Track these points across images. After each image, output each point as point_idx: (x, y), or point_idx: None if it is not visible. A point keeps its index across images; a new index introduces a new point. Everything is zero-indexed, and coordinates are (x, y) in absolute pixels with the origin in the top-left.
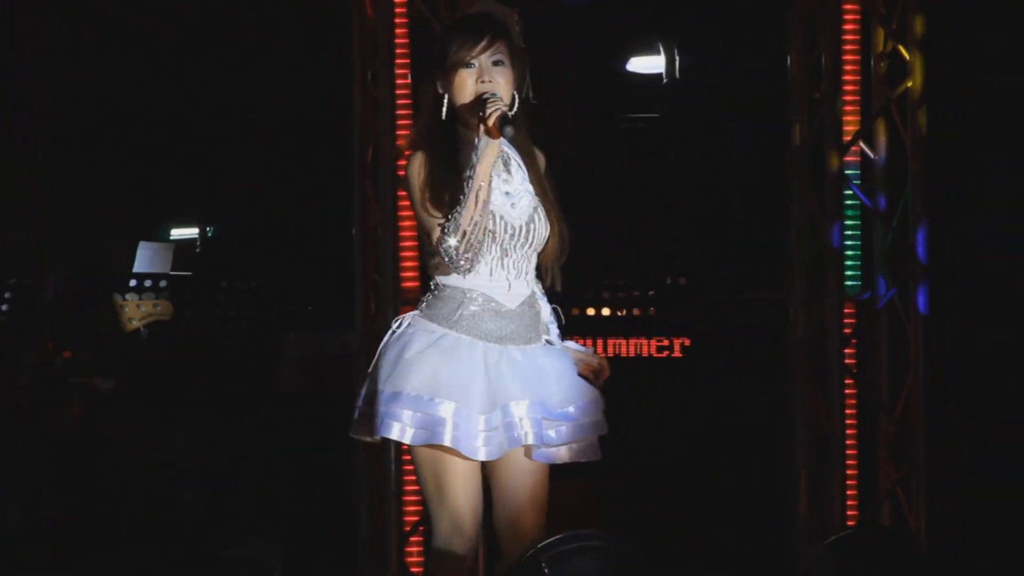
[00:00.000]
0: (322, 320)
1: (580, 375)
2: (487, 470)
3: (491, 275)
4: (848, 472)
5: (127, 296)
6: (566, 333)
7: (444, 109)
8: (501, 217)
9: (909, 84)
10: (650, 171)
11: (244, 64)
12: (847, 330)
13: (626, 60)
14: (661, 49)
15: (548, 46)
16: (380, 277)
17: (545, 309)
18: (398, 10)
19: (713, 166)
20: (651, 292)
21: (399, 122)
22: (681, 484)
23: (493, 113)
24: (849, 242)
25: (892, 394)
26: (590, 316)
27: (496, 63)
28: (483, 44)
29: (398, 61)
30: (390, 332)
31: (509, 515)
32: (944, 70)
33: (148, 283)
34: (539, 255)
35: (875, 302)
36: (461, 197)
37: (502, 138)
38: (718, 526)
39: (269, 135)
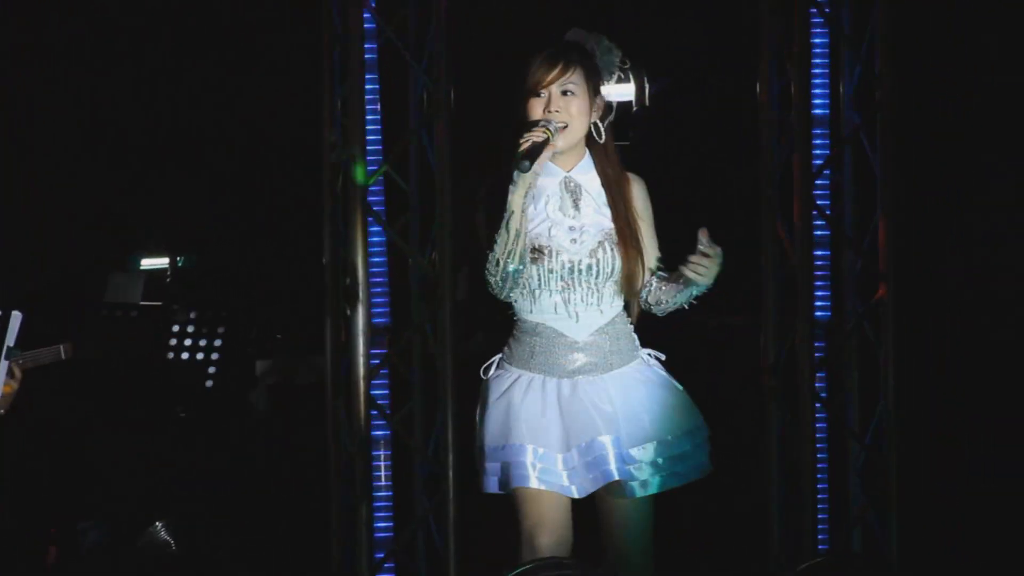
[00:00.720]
0: (293, 346)
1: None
2: (597, 514)
3: (556, 310)
4: (819, 498)
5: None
6: None
7: (514, 135)
8: (557, 253)
9: (878, 110)
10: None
11: (214, 93)
12: (817, 355)
13: None
14: (631, 76)
15: (517, 75)
16: (349, 306)
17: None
18: (368, 37)
19: (684, 192)
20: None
21: (369, 149)
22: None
23: (523, 143)
24: (818, 268)
25: (863, 420)
26: None
27: (565, 92)
28: (555, 74)
29: (368, 89)
30: (483, 381)
31: (616, 554)
32: (914, 95)
33: (119, 313)
34: (621, 284)
35: (845, 328)
36: (500, 227)
37: (525, 168)
38: (690, 553)
39: (240, 163)
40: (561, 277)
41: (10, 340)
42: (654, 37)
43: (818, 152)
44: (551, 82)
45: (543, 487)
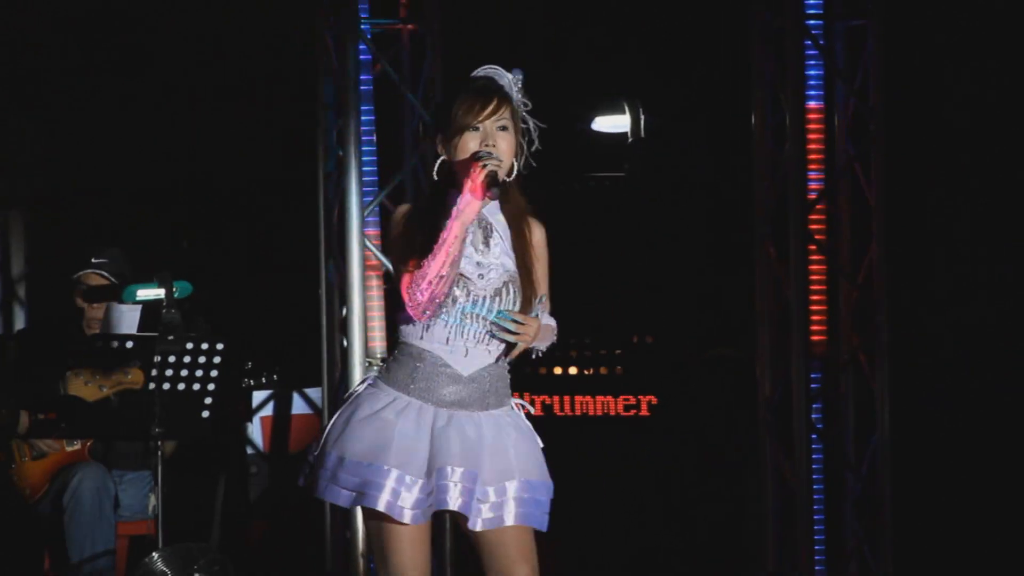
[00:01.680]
0: (288, 379)
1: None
2: (472, 534)
3: (447, 341)
4: (815, 530)
5: (98, 363)
6: (533, 393)
7: (435, 170)
8: (464, 285)
9: (872, 143)
10: (616, 230)
11: (211, 125)
12: (812, 389)
13: (591, 119)
14: (626, 108)
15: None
16: (346, 338)
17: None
18: (364, 70)
19: (679, 224)
20: (618, 351)
21: (365, 179)
22: (648, 542)
23: (482, 172)
24: (814, 300)
25: (858, 452)
26: (557, 375)
27: (501, 128)
28: (490, 109)
29: (363, 120)
30: (350, 392)
31: (500, 569)
32: (908, 127)
33: (115, 344)
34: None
35: (840, 359)
36: (434, 248)
37: (486, 200)
38: None
39: (236, 194)
40: (462, 310)
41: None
42: (649, 71)
43: (813, 184)
44: (487, 117)
45: (407, 517)
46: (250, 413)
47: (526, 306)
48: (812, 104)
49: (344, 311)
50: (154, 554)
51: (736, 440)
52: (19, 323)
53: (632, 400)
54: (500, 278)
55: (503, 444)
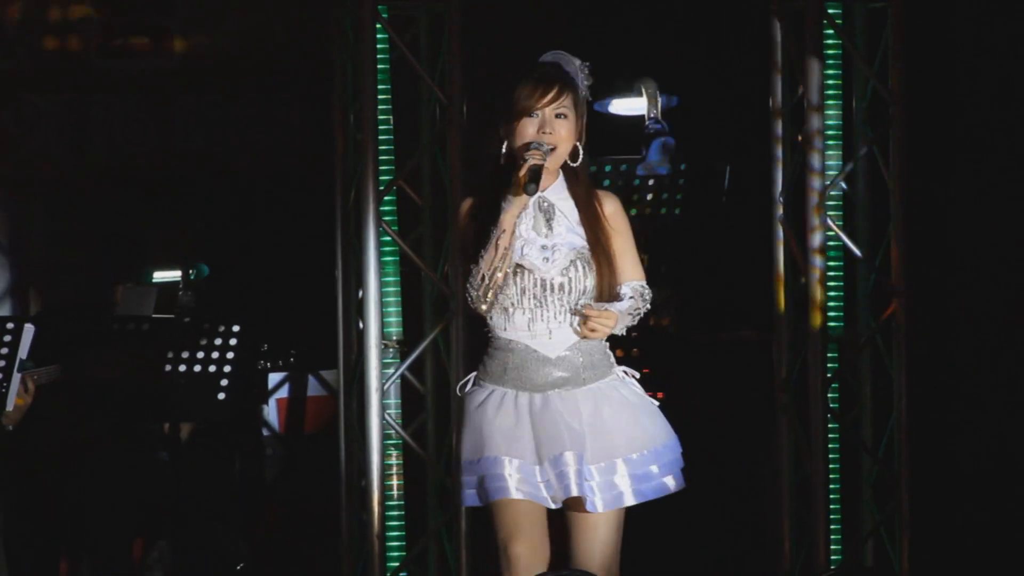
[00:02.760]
0: (304, 361)
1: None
2: (564, 524)
3: (529, 326)
4: (832, 512)
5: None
6: None
7: (503, 156)
8: (530, 272)
9: (891, 125)
10: (633, 212)
11: (227, 107)
12: (829, 371)
13: (608, 102)
14: (643, 91)
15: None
16: (362, 320)
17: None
18: (380, 53)
19: (696, 207)
20: (634, 334)
21: (381, 164)
22: (665, 524)
23: (524, 166)
24: (831, 282)
25: (875, 435)
26: None
27: (559, 115)
28: (550, 96)
29: (380, 103)
30: (457, 396)
31: (578, 566)
32: (927, 111)
33: (132, 325)
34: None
35: (857, 342)
36: (487, 244)
37: (527, 193)
38: (702, 566)
39: (253, 176)
40: (534, 296)
41: (22, 353)
42: (666, 51)
43: (831, 167)
44: (546, 104)
45: (520, 496)
46: (266, 395)
47: (601, 280)
48: (830, 86)
49: (360, 293)
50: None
51: (753, 423)
52: (36, 306)
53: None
54: (567, 256)
55: (601, 423)
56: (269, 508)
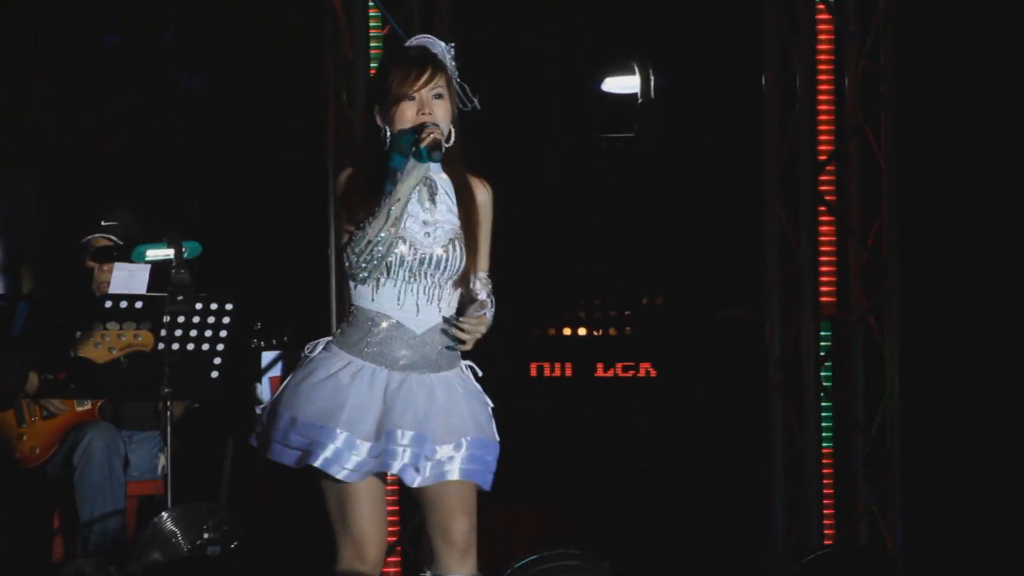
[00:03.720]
0: (297, 340)
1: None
2: (417, 493)
3: (398, 300)
4: (825, 491)
5: (108, 325)
6: (544, 354)
7: (387, 141)
8: (411, 244)
9: (883, 104)
10: (626, 191)
11: (220, 85)
12: (822, 349)
13: (601, 80)
14: (636, 69)
15: (523, 67)
16: None
17: (482, 294)
18: (372, 31)
19: (689, 185)
20: (627, 312)
21: None
22: (658, 504)
23: (427, 137)
24: (824, 261)
25: (868, 414)
26: (566, 336)
27: (436, 96)
28: (425, 78)
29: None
30: (302, 356)
31: (438, 522)
32: (919, 88)
33: (124, 304)
34: (456, 284)
35: (850, 321)
36: (377, 211)
37: (430, 164)
38: (696, 545)
39: (246, 154)
40: (410, 269)
41: (17, 328)
42: (659, 31)
43: (823, 146)
44: (422, 86)
45: (350, 476)
46: (259, 373)
47: (470, 263)
48: (823, 65)
49: None
50: (163, 514)
51: (746, 401)
52: (27, 286)
53: (632, 364)
54: (446, 235)
55: (456, 405)
56: (262, 487)
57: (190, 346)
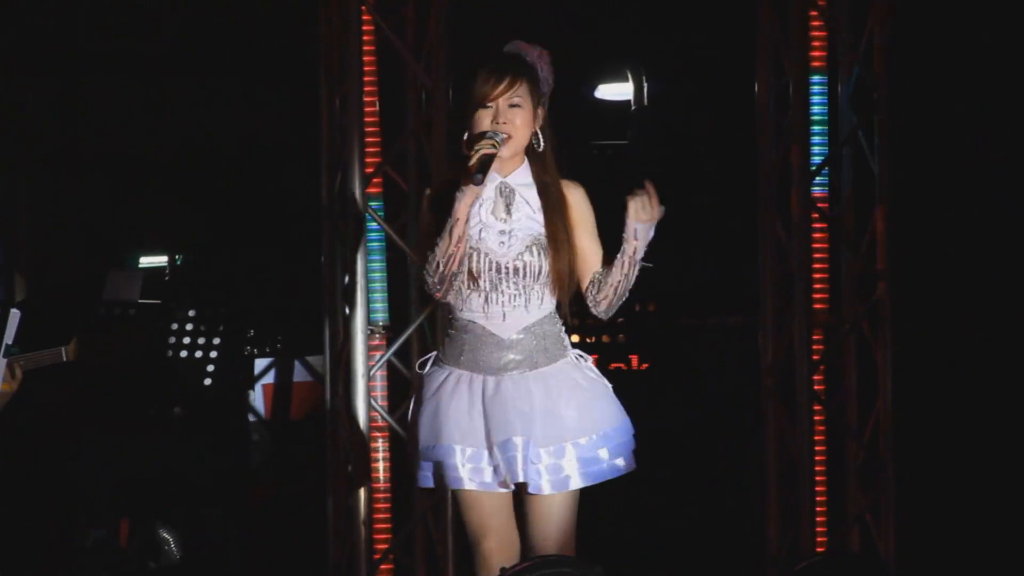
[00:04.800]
0: (290, 347)
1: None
2: (522, 502)
3: (484, 308)
4: (817, 497)
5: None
6: None
7: (464, 145)
8: (487, 255)
9: (876, 111)
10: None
11: (213, 93)
12: (815, 355)
13: (595, 87)
14: (629, 76)
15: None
16: (349, 305)
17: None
18: (366, 36)
19: (682, 192)
20: (620, 319)
21: (368, 149)
22: (650, 509)
23: (473, 155)
24: (817, 267)
25: (861, 419)
26: None
27: (513, 106)
28: (503, 87)
29: (367, 88)
30: (419, 373)
31: (532, 546)
32: (912, 96)
33: (117, 310)
34: (551, 286)
35: (843, 327)
36: (443, 231)
37: (477, 183)
38: (687, 551)
39: (238, 162)
40: (489, 279)
41: (8, 338)
42: (652, 38)
43: (816, 152)
44: (499, 95)
45: (474, 487)
46: (252, 381)
47: (557, 266)
48: (815, 72)
49: (346, 279)
50: (157, 520)
51: (738, 407)
52: (20, 292)
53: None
54: (523, 242)
55: (554, 406)
56: (255, 494)
57: (183, 353)
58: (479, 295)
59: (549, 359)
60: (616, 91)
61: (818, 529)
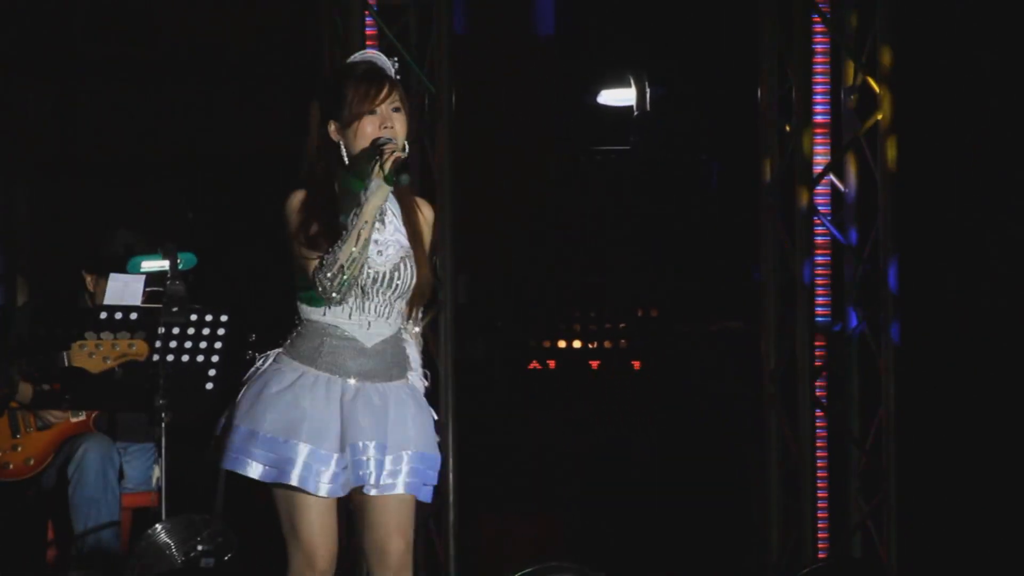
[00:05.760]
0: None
1: None
2: (354, 502)
3: (350, 316)
4: (819, 504)
5: (102, 335)
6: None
7: (345, 158)
8: (364, 263)
9: (879, 117)
10: (622, 203)
11: (216, 95)
12: (818, 362)
13: (597, 93)
14: (632, 82)
15: (519, 80)
16: None
17: (412, 351)
18: (369, 42)
19: (685, 198)
20: (622, 324)
21: None
22: (653, 515)
23: (389, 159)
24: (819, 272)
25: (863, 426)
26: (561, 348)
27: (395, 110)
28: (384, 92)
29: None
30: (254, 367)
31: (374, 541)
32: (915, 102)
33: (118, 315)
34: (411, 300)
35: (846, 334)
36: (344, 233)
37: (395, 184)
38: (690, 558)
39: (239, 166)
40: (363, 288)
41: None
42: (654, 43)
43: (819, 158)
44: (383, 100)
45: (320, 491)
46: None
47: (421, 280)
48: (819, 77)
49: None
50: (157, 525)
51: (740, 413)
52: (22, 296)
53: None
54: (397, 254)
55: (403, 415)
56: (257, 498)
57: (185, 358)
58: (347, 304)
59: (400, 373)
60: (618, 96)
61: (820, 535)
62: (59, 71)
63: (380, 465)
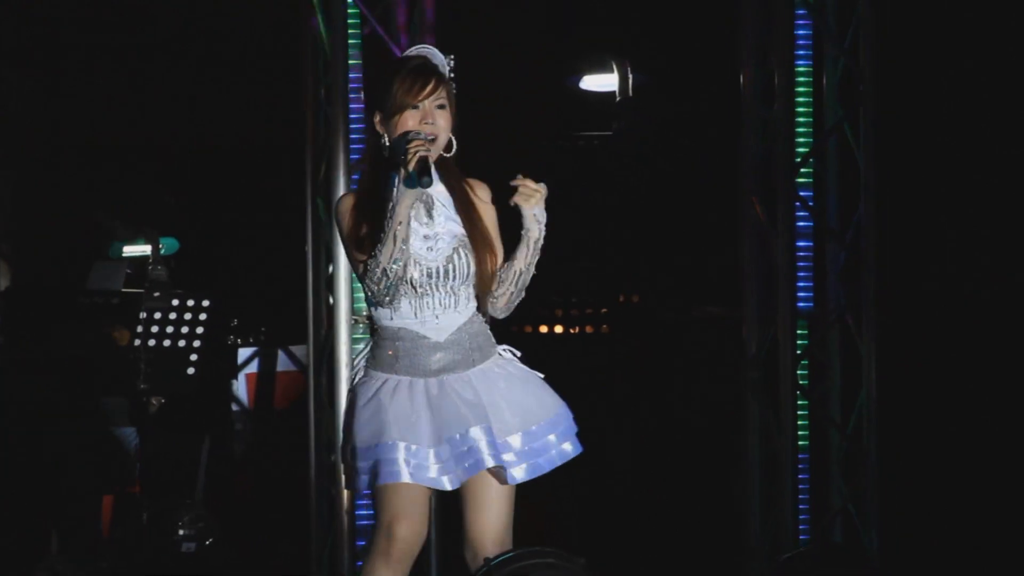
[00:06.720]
0: (274, 336)
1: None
2: (461, 499)
3: (415, 314)
4: (800, 489)
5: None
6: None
7: (386, 151)
8: (416, 261)
9: (861, 100)
10: (604, 188)
11: (199, 81)
12: (799, 347)
13: (579, 78)
14: (614, 67)
15: (502, 65)
16: (332, 295)
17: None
18: (352, 29)
19: (666, 183)
20: (604, 310)
21: (352, 137)
22: (633, 501)
23: (413, 159)
24: (801, 258)
25: (844, 411)
26: (543, 333)
27: (439, 106)
28: (429, 88)
29: (351, 76)
30: (349, 384)
31: (473, 538)
32: (897, 86)
33: (101, 300)
34: (476, 286)
35: (827, 319)
36: (382, 236)
37: (421, 186)
38: (670, 543)
39: (222, 152)
40: (420, 284)
41: None
42: (637, 29)
43: (801, 143)
44: (427, 96)
45: (412, 481)
46: (235, 370)
47: (481, 265)
48: (801, 64)
49: (330, 268)
50: (139, 511)
51: (720, 398)
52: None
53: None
54: (449, 245)
55: (494, 400)
56: (238, 483)
57: (167, 342)
58: (409, 302)
59: (483, 356)
60: (601, 82)
61: (801, 520)
62: (47, 58)
63: (494, 447)
